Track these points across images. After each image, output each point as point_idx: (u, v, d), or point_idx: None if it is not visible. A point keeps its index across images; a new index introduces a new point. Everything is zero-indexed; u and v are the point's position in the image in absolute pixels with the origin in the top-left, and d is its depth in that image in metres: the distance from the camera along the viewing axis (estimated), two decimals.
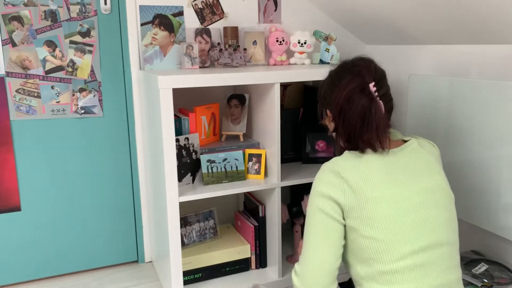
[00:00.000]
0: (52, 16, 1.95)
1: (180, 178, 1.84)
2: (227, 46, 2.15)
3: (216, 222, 2.16)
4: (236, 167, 1.94)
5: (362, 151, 1.27)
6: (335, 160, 1.27)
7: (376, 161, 1.24)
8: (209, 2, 2.18)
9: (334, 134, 1.37)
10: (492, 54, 1.80)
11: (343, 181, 1.21)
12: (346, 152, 1.29)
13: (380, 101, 1.26)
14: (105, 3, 2.02)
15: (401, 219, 1.18)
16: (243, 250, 2.06)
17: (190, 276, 1.97)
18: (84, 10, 2.00)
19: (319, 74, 1.89)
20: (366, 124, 1.25)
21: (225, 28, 2.17)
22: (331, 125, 1.37)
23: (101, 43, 2.05)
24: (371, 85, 1.26)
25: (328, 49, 2.13)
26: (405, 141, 1.34)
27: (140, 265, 2.28)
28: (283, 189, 2.10)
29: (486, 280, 1.57)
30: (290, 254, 2.20)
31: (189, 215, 2.07)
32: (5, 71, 1.92)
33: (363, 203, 1.18)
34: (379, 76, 1.30)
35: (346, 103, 1.26)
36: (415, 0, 1.80)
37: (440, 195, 1.25)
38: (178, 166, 1.77)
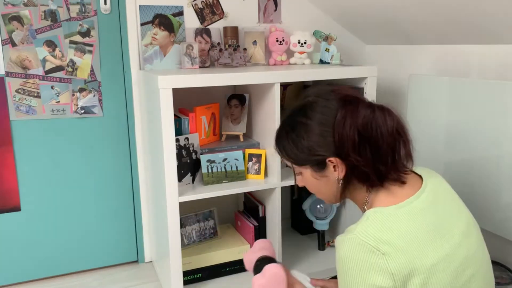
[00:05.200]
0: (52, 16, 1.95)
1: (180, 178, 1.84)
2: (227, 46, 2.15)
3: (216, 222, 2.16)
4: (236, 167, 1.94)
5: (387, 188, 1.02)
6: (367, 231, 0.94)
7: (416, 213, 0.97)
8: (209, 2, 2.18)
9: (340, 184, 1.06)
10: (492, 54, 1.80)
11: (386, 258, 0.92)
12: (372, 212, 0.97)
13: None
14: (105, 3, 2.02)
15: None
16: (243, 250, 2.05)
17: (190, 276, 1.97)
18: (84, 10, 1.99)
19: (319, 74, 1.89)
20: (398, 146, 1.00)
21: (225, 28, 2.17)
22: (335, 175, 1.05)
23: (101, 43, 2.05)
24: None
25: (328, 49, 2.13)
26: (414, 173, 1.11)
27: (140, 265, 2.28)
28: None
29: None
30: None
31: (189, 215, 2.07)
32: (5, 71, 1.92)
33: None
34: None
35: (367, 130, 0.99)
36: (416, 0, 1.80)
37: (475, 236, 1.05)
38: (178, 166, 1.77)
